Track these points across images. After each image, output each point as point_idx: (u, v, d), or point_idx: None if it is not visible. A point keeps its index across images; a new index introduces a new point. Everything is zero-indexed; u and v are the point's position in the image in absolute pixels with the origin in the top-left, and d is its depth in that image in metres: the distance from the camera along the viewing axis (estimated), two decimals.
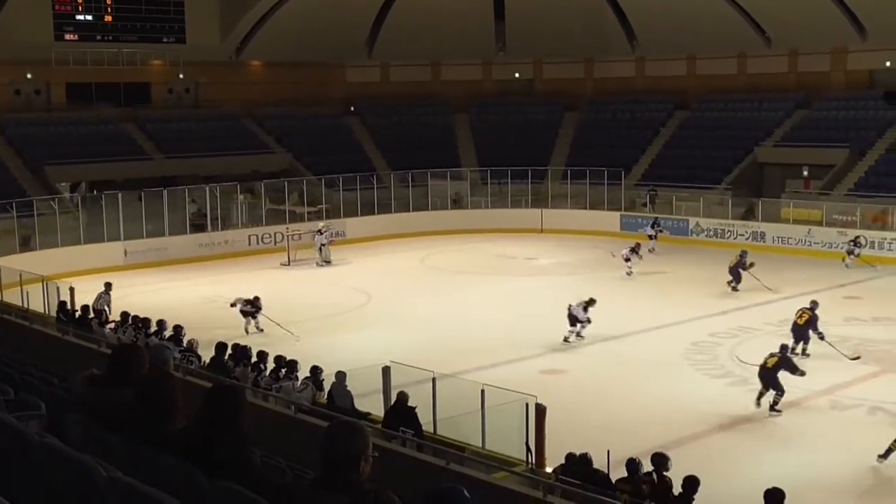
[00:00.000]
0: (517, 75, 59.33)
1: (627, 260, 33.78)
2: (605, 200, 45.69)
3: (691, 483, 12.27)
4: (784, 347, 20.23)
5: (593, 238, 42.80)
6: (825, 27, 47.41)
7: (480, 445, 15.19)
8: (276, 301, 27.97)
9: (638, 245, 34.71)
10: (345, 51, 54.35)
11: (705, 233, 41.97)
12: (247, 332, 25.29)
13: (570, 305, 25.05)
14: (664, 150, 51.33)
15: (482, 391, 15.58)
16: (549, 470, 14.32)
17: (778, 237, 39.51)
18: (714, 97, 52.57)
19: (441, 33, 52.57)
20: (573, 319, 24.94)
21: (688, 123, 52.47)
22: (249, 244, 39.94)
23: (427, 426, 15.56)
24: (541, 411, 15.00)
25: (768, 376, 19.36)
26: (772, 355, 19.65)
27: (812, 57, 50.84)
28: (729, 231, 41.38)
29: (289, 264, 37.07)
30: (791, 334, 23.03)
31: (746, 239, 40.17)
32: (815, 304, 23.66)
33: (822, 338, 22.88)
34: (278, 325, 25.32)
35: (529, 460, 14.66)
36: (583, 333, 24.98)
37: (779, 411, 19.13)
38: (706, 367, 22.58)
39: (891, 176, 41.76)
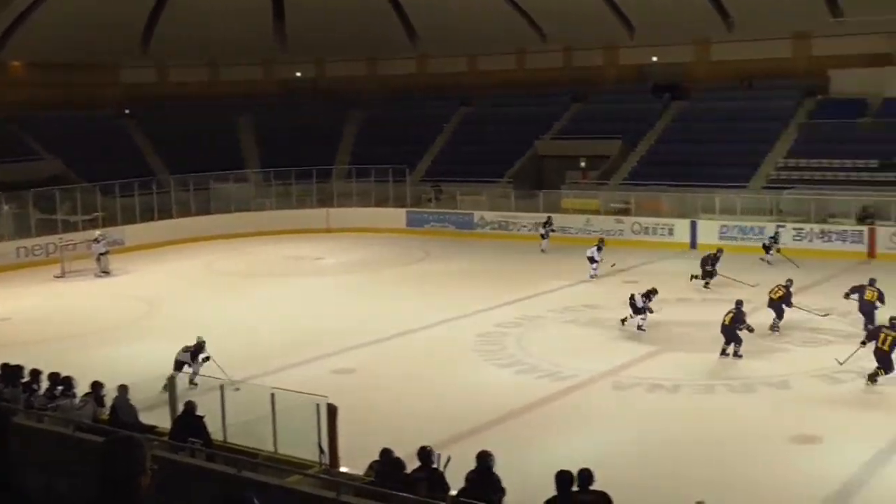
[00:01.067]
0: (299, 74, 58.90)
1: (593, 261, 32.60)
2: (391, 197, 45.94)
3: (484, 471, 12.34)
4: (739, 302, 22.87)
5: (380, 236, 42.98)
6: (597, 24, 49.04)
7: (273, 450, 14.91)
8: (54, 315, 26.68)
9: (602, 241, 33.88)
10: (118, 51, 52.47)
11: (490, 225, 42.76)
12: (192, 383, 20.58)
13: (632, 294, 25.16)
14: (448, 146, 51.98)
15: (272, 395, 15.34)
16: (345, 469, 14.21)
17: (559, 227, 40.57)
18: (495, 93, 53.56)
19: (219, 32, 51.45)
20: (635, 308, 25.11)
21: (470, 119, 53.30)
22: (18, 257, 37.88)
23: (217, 434, 15.17)
24: (332, 411, 14.85)
25: (727, 331, 22.21)
26: (728, 312, 22.44)
27: (585, 52, 52.57)
28: (513, 223, 42.28)
29: (63, 276, 35.40)
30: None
31: (530, 230, 41.17)
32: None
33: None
34: (224, 372, 20.02)
35: (323, 461, 14.51)
36: (644, 326, 25.00)
37: (740, 356, 22.12)
38: (495, 357, 22.91)
39: (661, 165, 43.62)
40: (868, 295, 24.47)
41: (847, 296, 24.96)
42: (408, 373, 22.02)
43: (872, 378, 19.91)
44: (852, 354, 20.79)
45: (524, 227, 41.70)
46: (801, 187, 39.37)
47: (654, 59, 50.91)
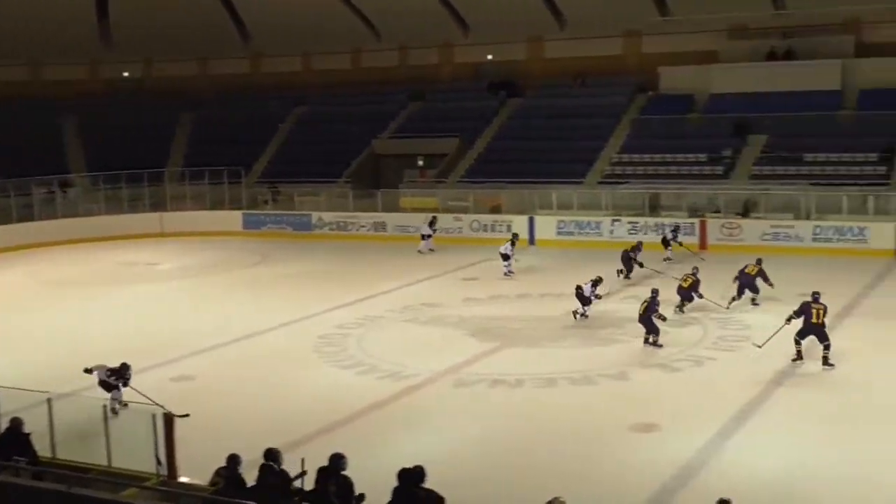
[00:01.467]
0: (126, 74, 57.14)
1: (506, 258, 32.13)
2: (227, 200, 45.02)
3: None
4: (654, 291, 23.07)
5: (216, 239, 42.04)
6: (432, 23, 49.20)
7: (107, 464, 14.25)
8: None
9: (516, 236, 33.54)
10: None
11: (329, 226, 42.31)
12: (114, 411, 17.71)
13: (579, 286, 25.54)
14: (284, 146, 51.28)
15: (104, 407, 14.67)
16: (185, 479, 13.70)
17: (398, 226, 40.53)
18: (330, 92, 53.09)
19: (40, 31, 49.46)
20: (583, 299, 25.37)
21: (306, 119, 52.73)
22: None
23: (45, 451, 14.40)
24: (168, 420, 14.28)
25: (643, 320, 22.70)
26: (643, 302, 22.97)
27: (421, 51, 52.62)
28: (352, 223, 41.96)
29: None
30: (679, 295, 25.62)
31: (368, 230, 40.98)
32: (696, 269, 26.40)
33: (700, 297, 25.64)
34: (151, 400, 17.55)
35: (161, 472, 13.94)
36: (588, 313, 25.41)
37: (660, 345, 22.39)
38: (336, 359, 22.59)
39: (498, 162, 44.00)
40: (749, 269, 26.53)
41: (736, 279, 26.33)
42: (249, 378, 21.48)
43: (826, 361, 20.40)
44: (774, 335, 21.21)
45: (363, 227, 41.47)
46: (634, 182, 40.28)
47: (490, 57, 51.32)
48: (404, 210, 41.81)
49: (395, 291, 30.00)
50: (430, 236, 37.30)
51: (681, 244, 33.56)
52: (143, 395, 17.30)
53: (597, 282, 25.81)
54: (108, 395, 17.93)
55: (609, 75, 47.76)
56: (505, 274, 31.84)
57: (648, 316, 22.62)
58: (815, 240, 33.76)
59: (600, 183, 41.30)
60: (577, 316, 25.43)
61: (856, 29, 43.41)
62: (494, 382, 20.29)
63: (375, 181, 46.33)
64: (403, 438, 17.17)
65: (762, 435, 16.85)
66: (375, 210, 41.95)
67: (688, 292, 25.60)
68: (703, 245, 35.46)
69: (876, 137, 39.25)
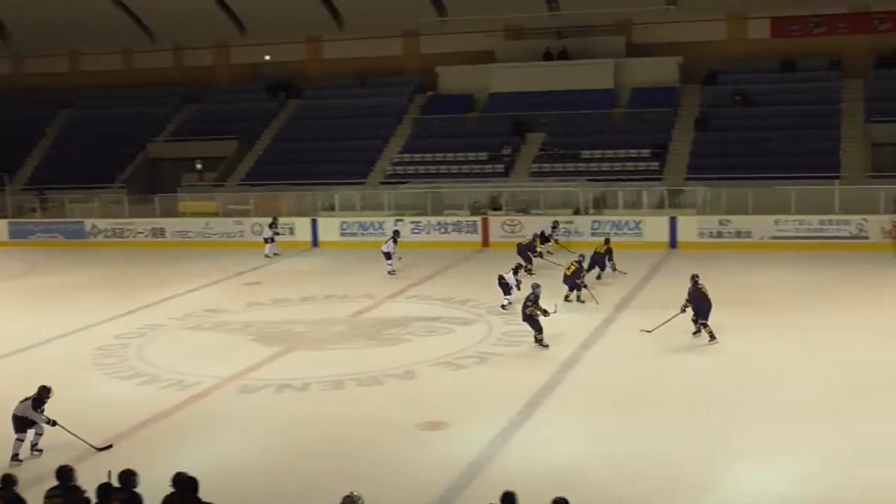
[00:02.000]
0: None
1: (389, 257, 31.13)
2: None
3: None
4: (581, 257, 23.94)
5: None
6: (206, 23, 47.95)
7: None
8: None
9: (397, 233, 32.54)
10: None
11: (104, 233, 40.48)
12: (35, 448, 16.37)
13: (501, 276, 25.57)
14: (52, 150, 48.95)
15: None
16: None
17: (177, 231, 39.22)
18: (101, 94, 51.00)
19: None
20: (506, 288, 25.34)
21: (75, 122, 50.47)
22: None
23: None
24: None
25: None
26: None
27: (196, 51, 51.23)
28: (128, 230, 40.29)
29: None
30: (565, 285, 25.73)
31: (146, 236, 39.48)
32: (581, 257, 26.55)
33: (585, 286, 25.77)
34: (76, 436, 16.54)
35: None
36: (511, 300, 25.21)
37: (546, 345, 21.66)
38: (116, 370, 21.44)
39: (279, 164, 43.26)
40: (599, 249, 28.63)
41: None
42: (23, 394, 20.02)
43: (711, 335, 21.36)
44: (667, 322, 21.81)
45: (140, 233, 39.89)
46: (416, 181, 40.35)
47: (267, 57, 50.48)
48: (183, 215, 40.48)
49: (177, 298, 28.91)
50: (272, 239, 35.77)
51: (557, 241, 33.48)
52: (73, 434, 16.09)
53: (517, 269, 26.06)
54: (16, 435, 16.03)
55: (389, 75, 47.77)
56: (389, 273, 31.11)
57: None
58: (593, 234, 34.57)
59: (382, 183, 41.21)
60: (502, 307, 25.41)
61: (627, 30, 44.91)
62: (281, 387, 19.69)
63: (152, 186, 44.78)
64: (190, 449, 16.38)
65: (548, 426, 16.92)
66: (153, 216, 40.45)
67: (572, 280, 25.72)
68: (485, 242, 35.79)
69: (648, 134, 40.72)
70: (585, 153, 40.42)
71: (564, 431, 16.68)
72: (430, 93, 46.66)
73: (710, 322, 21.43)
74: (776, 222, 33.19)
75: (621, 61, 44.16)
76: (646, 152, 39.96)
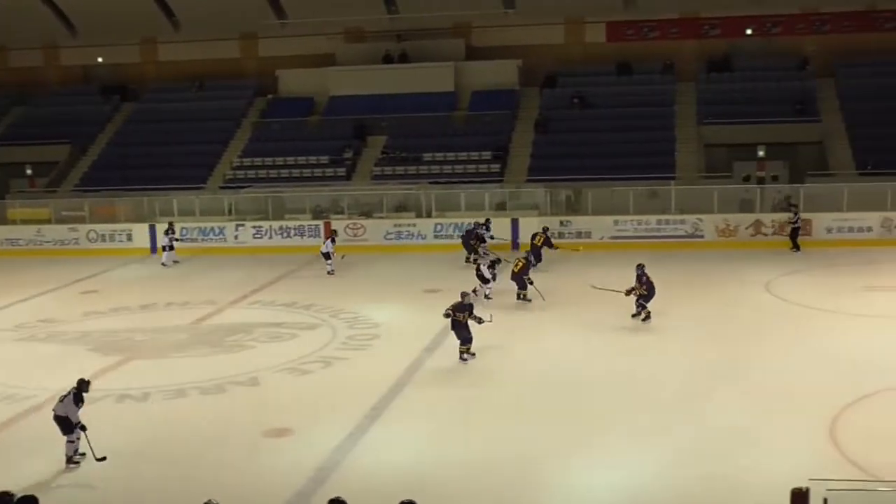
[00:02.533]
0: None
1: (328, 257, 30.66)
2: None
3: None
4: (465, 294, 21.10)
5: None
6: (34, 23, 46.17)
7: None
8: None
9: (335, 232, 32.34)
10: None
11: None
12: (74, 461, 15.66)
13: (478, 265, 26.24)
14: None
15: None
16: None
17: (6, 239, 37.60)
18: None
19: None
20: (483, 279, 25.61)
21: None
22: None
23: None
24: None
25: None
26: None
27: (23, 53, 49.28)
28: None
29: None
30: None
31: None
32: (529, 253, 26.87)
33: (531, 283, 25.43)
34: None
35: None
36: (490, 295, 25.67)
37: (472, 354, 20.62)
38: None
39: (115, 169, 42.01)
40: (536, 240, 29.69)
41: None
42: None
43: (648, 315, 23.14)
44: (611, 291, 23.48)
45: None
46: (257, 185, 39.75)
47: (100, 59, 48.94)
48: (13, 222, 38.83)
49: (7, 309, 27.71)
50: (171, 247, 34.02)
51: (493, 237, 33.16)
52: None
53: (495, 262, 26.81)
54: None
55: (227, 78, 46.97)
56: (328, 273, 30.59)
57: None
58: (436, 237, 34.67)
59: (222, 188, 40.47)
60: (485, 298, 25.36)
61: (466, 33, 45.25)
62: (121, 398, 19.05)
63: None
64: (27, 464, 15.65)
65: (395, 429, 16.85)
66: None
67: (520, 277, 25.47)
68: None
69: (488, 137, 41.13)
70: (427, 156, 40.55)
71: (411, 434, 16.64)
72: (269, 96, 46.08)
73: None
74: (615, 222, 33.90)
75: (461, 64, 44.48)
76: (487, 154, 40.35)
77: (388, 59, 45.19)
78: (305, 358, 21.48)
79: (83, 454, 15.52)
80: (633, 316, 23.21)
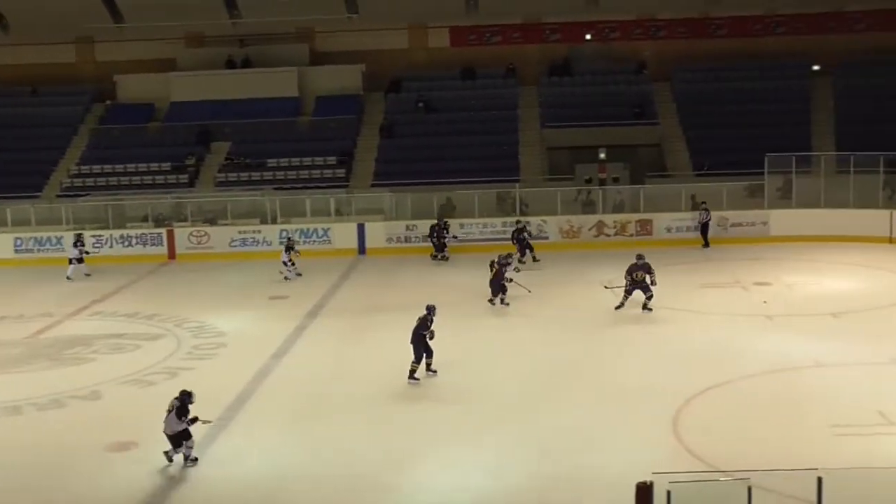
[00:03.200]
0: None
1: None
2: None
3: None
4: (431, 307, 19.77)
5: None
6: None
7: None
8: None
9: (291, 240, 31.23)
10: None
11: None
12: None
13: (502, 269, 25.22)
14: None
15: None
16: None
17: None
18: None
19: None
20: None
21: None
22: None
23: None
24: None
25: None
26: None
27: None
28: None
29: None
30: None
31: None
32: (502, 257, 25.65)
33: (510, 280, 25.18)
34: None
35: None
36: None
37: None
38: None
39: None
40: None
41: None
42: None
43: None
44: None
45: None
46: (96, 193, 38.57)
47: None
48: None
49: None
50: (80, 259, 32.04)
51: (455, 237, 32.88)
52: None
53: (508, 256, 26.21)
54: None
55: (63, 84, 45.42)
56: (284, 278, 29.85)
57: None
58: (282, 243, 34.26)
59: (59, 196, 39.15)
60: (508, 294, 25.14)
61: (310, 38, 44.92)
62: None
63: None
64: None
65: (241, 439, 16.59)
66: None
67: (497, 282, 24.91)
68: (171, 255, 34.64)
69: (333, 142, 40.94)
70: (272, 162, 40.08)
71: (258, 443, 16.41)
72: (108, 102, 44.79)
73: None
74: (461, 226, 34.12)
75: (305, 69, 44.12)
76: (332, 160, 40.13)
77: (230, 65, 44.50)
78: (149, 369, 20.93)
79: (195, 459, 15.38)
80: (645, 308, 23.84)
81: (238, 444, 16.36)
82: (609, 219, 34.24)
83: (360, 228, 34.42)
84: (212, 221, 36.21)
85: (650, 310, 23.69)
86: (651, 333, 22.37)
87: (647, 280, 23.74)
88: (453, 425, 16.79)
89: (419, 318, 19.59)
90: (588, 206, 35.42)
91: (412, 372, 19.22)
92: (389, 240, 34.38)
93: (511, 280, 25.08)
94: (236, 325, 24.61)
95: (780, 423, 16.25)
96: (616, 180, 38.35)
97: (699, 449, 15.15)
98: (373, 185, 38.65)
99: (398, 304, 25.75)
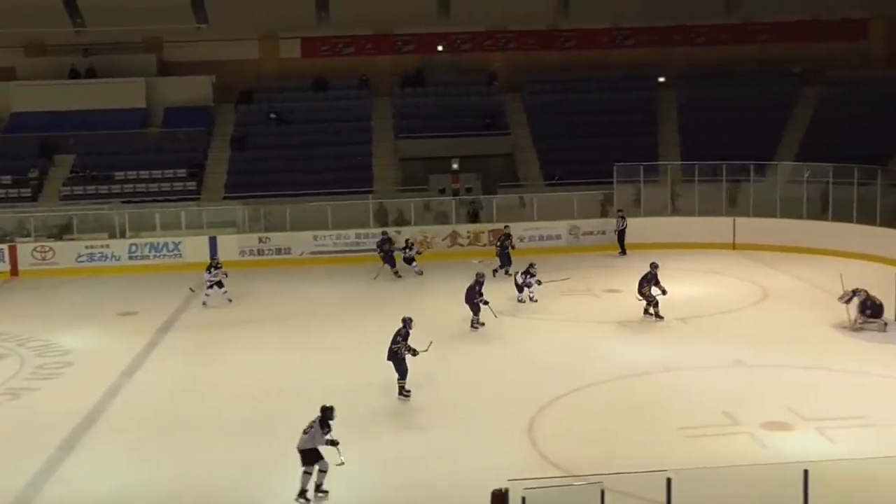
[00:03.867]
0: None
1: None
2: None
3: None
4: (406, 320, 18.92)
5: None
6: None
7: None
8: None
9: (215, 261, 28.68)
10: None
11: None
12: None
13: (514, 275, 26.23)
14: None
15: None
16: None
17: None
18: None
19: None
20: (520, 287, 25.90)
21: None
22: None
23: None
24: None
25: (392, 357, 18.64)
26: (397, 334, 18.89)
27: None
28: None
29: None
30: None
31: None
32: (479, 275, 24.10)
33: (485, 303, 23.85)
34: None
35: None
36: (535, 297, 25.98)
37: (407, 393, 18.61)
38: None
39: None
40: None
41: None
42: None
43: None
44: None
45: None
46: None
47: None
48: None
49: None
50: None
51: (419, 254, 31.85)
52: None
53: (530, 267, 26.14)
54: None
55: None
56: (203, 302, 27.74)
57: (394, 350, 19.16)
58: (131, 258, 33.49)
59: None
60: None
61: (158, 48, 43.97)
62: None
63: None
64: None
65: (91, 460, 16.12)
66: None
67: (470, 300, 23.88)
68: (13, 271, 33.37)
69: (183, 154, 40.16)
70: (119, 174, 38.99)
71: (107, 463, 15.97)
72: None
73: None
74: (315, 238, 33.87)
75: (153, 80, 43.12)
76: (182, 172, 39.31)
77: (74, 74, 43.17)
78: None
79: (326, 491, 14.31)
80: (656, 317, 23.79)
81: (86, 466, 15.85)
82: (463, 229, 34.48)
83: (213, 242, 33.78)
84: (57, 236, 35.06)
85: (661, 317, 23.86)
86: (504, 343, 22.57)
87: (657, 289, 23.90)
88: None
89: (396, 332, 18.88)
90: (441, 217, 35.58)
91: (400, 389, 18.68)
92: (242, 253, 33.87)
93: (486, 303, 23.80)
94: (83, 342, 23.85)
95: (632, 428, 16.61)
96: (469, 190, 38.67)
97: (554, 455, 15.34)
98: (225, 198, 38.01)
99: (252, 318, 25.42)
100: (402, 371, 18.67)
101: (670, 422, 16.65)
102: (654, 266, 24.18)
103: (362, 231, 34.03)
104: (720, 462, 14.01)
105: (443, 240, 34.20)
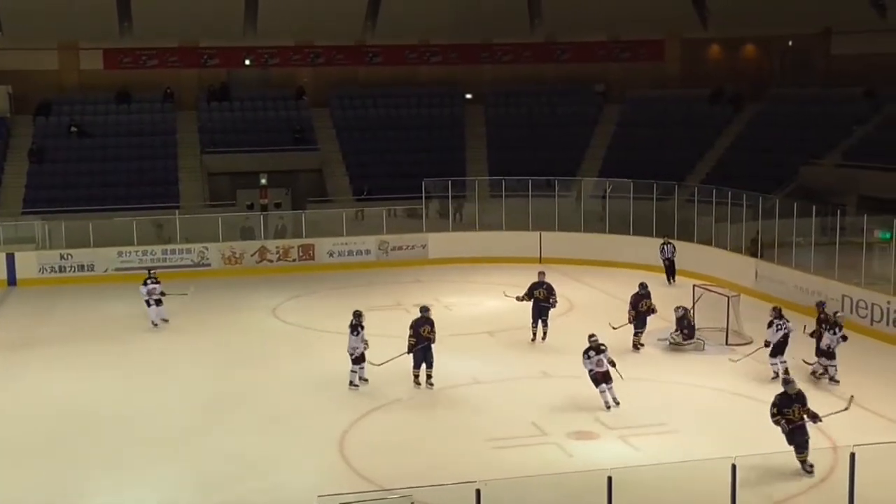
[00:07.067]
0: None
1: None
2: None
3: None
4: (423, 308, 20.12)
5: None
6: None
7: None
8: None
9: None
10: None
11: None
12: None
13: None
14: None
15: None
16: None
17: None
18: None
19: None
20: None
21: None
22: None
23: None
24: None
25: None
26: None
27: None
28: None
29: None
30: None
31: None
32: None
33: None
34: None
35: None
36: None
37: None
38: None
39: None
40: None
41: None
42: None
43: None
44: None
45: None
46: None
47: None
48: None
49: None
50: None
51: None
52: None
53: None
54: None
55: None
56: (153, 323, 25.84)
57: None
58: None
59: None
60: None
61: None
62: None
63: None
64: None
65: None
66: None
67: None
68: None
69: None
70: None
71: None
72: None
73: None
74: (119, 254, 32.90)
75: None
76: None
77: None
78: None
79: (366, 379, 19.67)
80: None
81: None
82: (271, 244, 34.14)
83: (10, 259, 32.34)
84: None
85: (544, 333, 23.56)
86: (317, 357, 22.45)
87: (550, 301, 23.47)
88: (116, 460, 16.10)
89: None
90: (248, 232, 35.11)
91: (416, 377, 19.90)
92: (42, 270, 32.53)
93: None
94: None
95: (442, 440, 16.83)
96: (278, 206, 38.35)
97: (365, 469, 15.38)
98: (23, 213, 36.50)
99: (55, 336, 24.51)
100: (425, 362, 19.84)
101: (480, 433, 16.93)
102: (642, 286, 23.19)
103: (168, 247, 33.26)
104: (529, 472, 14.33)
105: (251, 255, 33.77)
